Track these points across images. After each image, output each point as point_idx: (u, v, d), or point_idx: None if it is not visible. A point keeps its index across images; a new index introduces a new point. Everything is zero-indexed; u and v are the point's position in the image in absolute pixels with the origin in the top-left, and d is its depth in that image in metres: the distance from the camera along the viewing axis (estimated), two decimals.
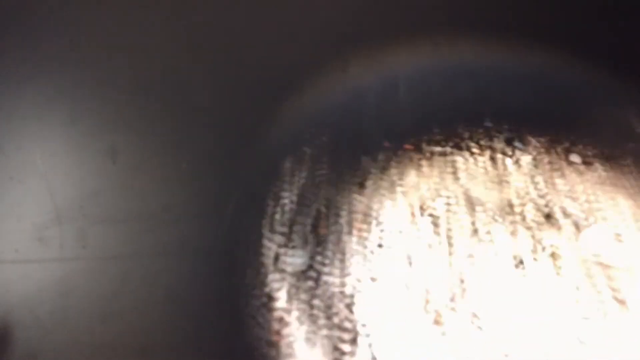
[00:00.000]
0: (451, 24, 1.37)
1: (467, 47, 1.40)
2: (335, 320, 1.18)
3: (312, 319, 1.18)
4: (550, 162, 1.44)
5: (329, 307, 1.18)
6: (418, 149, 1.37)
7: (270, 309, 1.19)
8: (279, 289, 1.22)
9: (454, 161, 1.43)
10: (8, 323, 1.12)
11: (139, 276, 1.19)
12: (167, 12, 1.37)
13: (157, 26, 1.37)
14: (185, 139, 1.32)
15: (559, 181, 1.38)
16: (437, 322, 1.17)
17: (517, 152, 1.42)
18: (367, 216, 1.28)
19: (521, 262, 1.26)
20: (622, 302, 1.17)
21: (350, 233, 1.26)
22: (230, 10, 1.39)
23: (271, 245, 1.29)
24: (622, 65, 1.32)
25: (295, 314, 1.17)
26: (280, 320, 1.17)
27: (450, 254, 1.26)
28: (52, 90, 1.32)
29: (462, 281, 1.21)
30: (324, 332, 1.17)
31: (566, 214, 1.30)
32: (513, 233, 1.31)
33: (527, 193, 1.36)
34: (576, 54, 1.33)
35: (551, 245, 1.26)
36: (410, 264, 1.23)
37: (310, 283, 1.25)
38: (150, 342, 1.14)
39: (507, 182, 1.40)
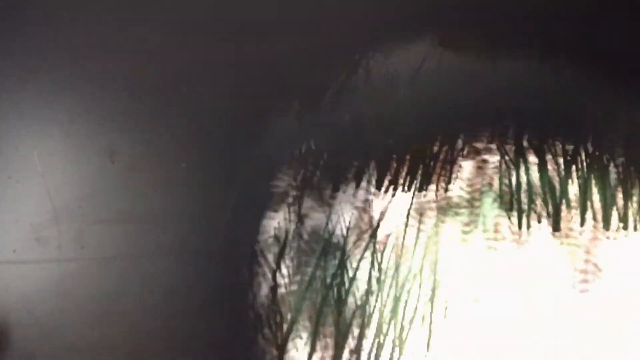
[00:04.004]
0: (452, 26, 1.37)
1: (468, 48, 1.40)
2: (337, 319, 1.18)
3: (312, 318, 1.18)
4: (551, 164, 1.44)
5: (329, 306, 1.18)
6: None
7: (270, 309, 1.19)
8: (279, 289, 1.22)
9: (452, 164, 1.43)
10: (6, 324, 1.12)
11: (138, 277, 1.19)
12: (166, 12, 1.37)
13: (157, 26, 1.36)
14: (185, 139, 1.32)
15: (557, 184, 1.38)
16: None
17: (516, 153, 1.42)
18: (367, 214, 1.28)
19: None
20: None
21: (351, 233, 1.26)
22: (230, 11, 1.39)
23: (271, 246, 1.29)
24: (620, 70, 1.33)
25: (294, 312, 1.18)
26: (281, 319, 1.17)
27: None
28: (50, 90, 1.31)
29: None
30: (325, 330, 1.17)
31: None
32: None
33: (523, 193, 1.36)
34: (576, 58, 1.33)
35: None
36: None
37: (311, 282, 1.25)
38: (149, 342, 1.13)
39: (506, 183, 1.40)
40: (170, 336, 1.14)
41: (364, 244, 1.24)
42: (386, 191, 1.32)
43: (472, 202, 1.31)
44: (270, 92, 1.36)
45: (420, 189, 1.31)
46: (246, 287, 1.22)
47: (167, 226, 1.24)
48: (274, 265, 1.24)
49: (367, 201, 1.31)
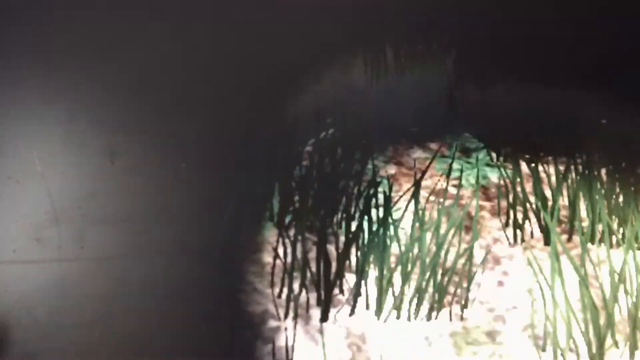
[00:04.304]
0: (453, 31, 1.37)
1: (468, 52, 1.40)
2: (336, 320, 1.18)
3: (311, 318, 1.18)
4: (542, 169, 1.44)
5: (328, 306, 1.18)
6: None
7: (270, 309, 1.18)
8: (278, 289, 1.22)
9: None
10: (6, 324, 1.12)
11: (138, 276, 1.19)
12: (166, 14, 1.37)
13: (157, 27, 1.36)
14: (185, 140, 1.32)
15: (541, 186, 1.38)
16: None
17: (510, 156, 1.42)
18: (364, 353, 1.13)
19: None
20: None
21: (352, 231, 1.25)
22: (231, 13, 1.39)
23: (270, 245, 1.29)
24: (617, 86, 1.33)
25: (294, 313, 1.17)
26: (280, 320, 1.17)
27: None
28: (51, 90, 1.31)
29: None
30: (322, 330, 1.17)
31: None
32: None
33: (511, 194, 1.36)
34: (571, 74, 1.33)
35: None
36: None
37: (309, 282, 1.25)
38: (148, 342, 1.13)
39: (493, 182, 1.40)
40: (170, 336, 1.14)
41: None
42: (388, 317, 1.17)
43: (494, 336, 1.09)
44: (270, 93, 1.36)
45: (429, 315, 1.12)
46: (245, 287, 1.21)
47: (167, 226, 1.24)
48: None
49: (363, 333, 1.16)
